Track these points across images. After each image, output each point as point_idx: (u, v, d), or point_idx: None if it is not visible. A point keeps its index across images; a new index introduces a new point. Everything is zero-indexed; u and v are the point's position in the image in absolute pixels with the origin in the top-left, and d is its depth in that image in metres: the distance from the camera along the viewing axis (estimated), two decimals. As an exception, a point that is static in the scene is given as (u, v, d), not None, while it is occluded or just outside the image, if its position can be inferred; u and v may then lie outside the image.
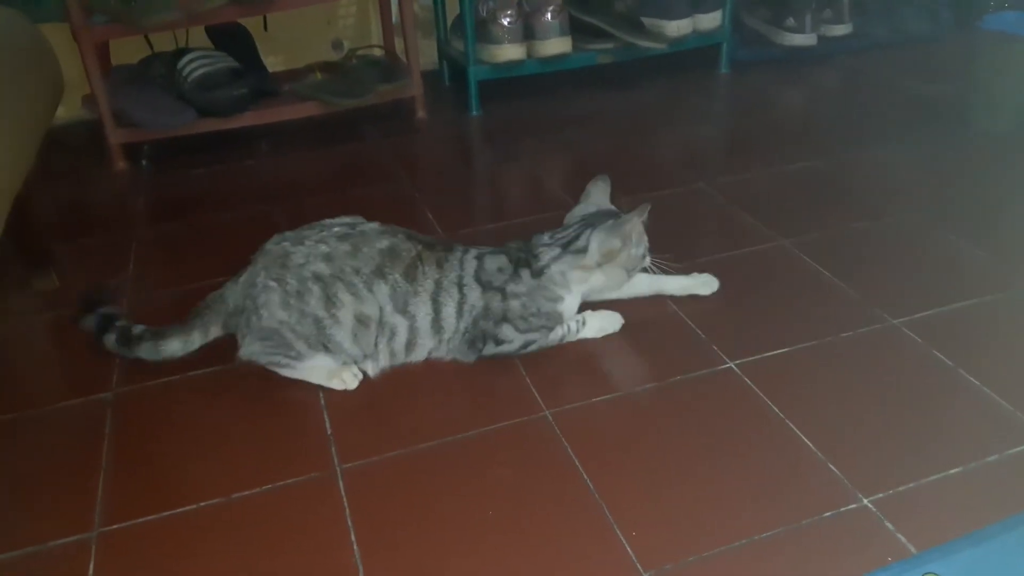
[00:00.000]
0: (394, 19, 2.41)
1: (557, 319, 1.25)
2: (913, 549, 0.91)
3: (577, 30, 2.27)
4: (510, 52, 2.20)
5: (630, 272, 1.28)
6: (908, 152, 1.94)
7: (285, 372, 1.22)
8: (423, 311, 1.20)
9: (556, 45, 2.21)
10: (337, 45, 2.52)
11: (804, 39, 2.49)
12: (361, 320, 1.17)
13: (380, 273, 1.18)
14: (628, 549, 0.93)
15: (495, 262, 1.24)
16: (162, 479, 1.08)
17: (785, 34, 2.51)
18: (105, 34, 2.02)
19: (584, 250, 1.24)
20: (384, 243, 1.20)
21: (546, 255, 1.24)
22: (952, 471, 1.01)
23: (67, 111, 2.23)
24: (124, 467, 1.10)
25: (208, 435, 1.16)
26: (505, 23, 2.17)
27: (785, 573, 0.90)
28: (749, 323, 1.31)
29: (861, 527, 0.94)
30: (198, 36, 2.21)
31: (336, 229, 1.22)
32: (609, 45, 2.31)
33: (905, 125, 2.10)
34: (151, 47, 2.23)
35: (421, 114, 2.26)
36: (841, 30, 2.54)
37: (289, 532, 0.98)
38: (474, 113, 2.29)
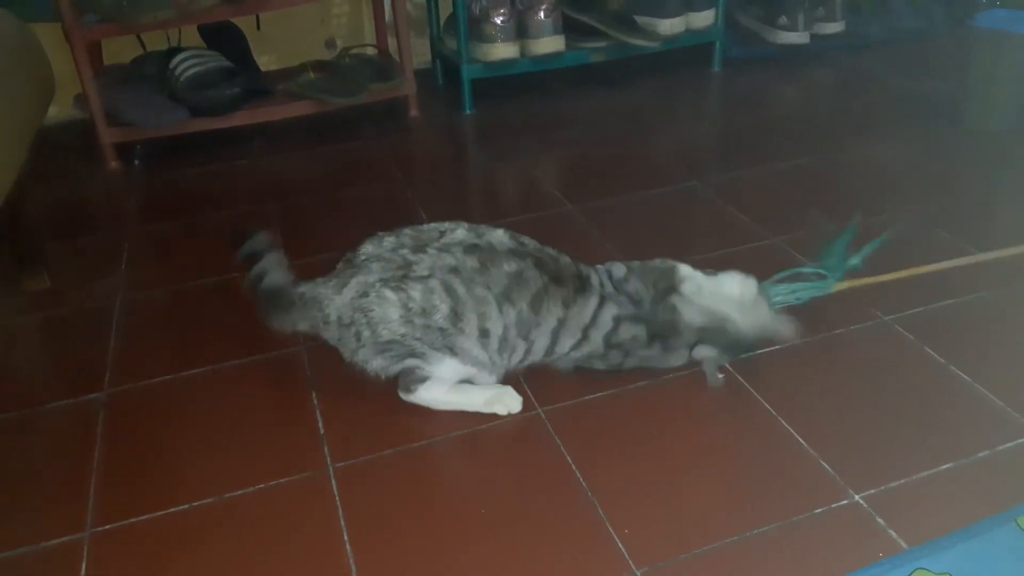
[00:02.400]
0: (387, 18, 2.40)
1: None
2: (904, 545, 0.91)
3: (570, 29, 2.27)
4: (503, 51, 2.20)
5: None
6: (901, 149, 1.95)
7: (426, 391, 1.15)
8: (542, 341, 1.17)
9: (549, 44, 2.21)
10: (330, 44, 2.52)
11: (797, 37, 2.50)
12: (484, 334, 1.13)
13: (508, 298, 1.13)
14: (621, 547, 0.93)
15: (631, 331, 1.18)
16: (154, 479, 1.08)
17: (778, 32, 2.51)
18: (97, 33, 2.01)
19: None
20: (512, 266, 1.14)
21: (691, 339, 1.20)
22: (943, 467, 1.01)
23: (59, 111, 2.23)
24: (117, 467, 1.10)
25: (200, 435, 1.16)
26: (498, 22, 2.17)
27: (777, 569, 0.90)
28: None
29: (852, 523, 0.94)
30: (190, 35, 2.20)
31: (459, 234, 1.15)
32: (602, 44, 2.31)
33: (898, 123, 2.11)
34: (143, 46, 2.23)
35: (414, 113, 2.26)
36: (834, 28, 2.55)
37: (282, 531, 0.98)
38: (467, 112, 2.29)
